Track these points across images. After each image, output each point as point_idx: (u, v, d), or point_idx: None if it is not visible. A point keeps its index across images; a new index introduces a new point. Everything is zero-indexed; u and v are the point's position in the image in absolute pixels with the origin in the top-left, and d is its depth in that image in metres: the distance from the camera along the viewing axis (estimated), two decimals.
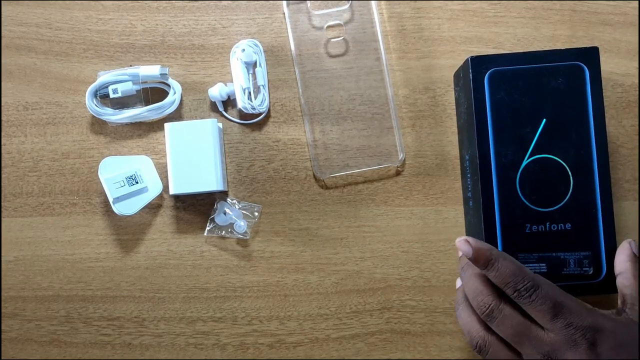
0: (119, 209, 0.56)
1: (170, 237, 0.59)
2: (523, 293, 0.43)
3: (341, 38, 0.59)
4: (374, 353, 0.58)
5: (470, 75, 0.52)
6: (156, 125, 0.59)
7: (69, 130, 0.59)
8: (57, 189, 0.59)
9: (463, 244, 0.45)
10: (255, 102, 0.58)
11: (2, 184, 0.59)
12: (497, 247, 0.52)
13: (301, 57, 0.59)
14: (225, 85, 0.59)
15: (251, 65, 0.58)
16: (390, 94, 0.58)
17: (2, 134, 0.59)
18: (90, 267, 0.59)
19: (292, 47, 0.58)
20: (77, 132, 0.59)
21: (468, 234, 0.57)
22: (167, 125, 0.56)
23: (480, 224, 0.52)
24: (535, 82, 0.52)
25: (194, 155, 0.55)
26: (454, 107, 0.59)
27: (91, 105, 0.58)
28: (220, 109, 0.59)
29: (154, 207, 0.59)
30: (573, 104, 0.52)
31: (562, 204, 0.52)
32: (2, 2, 0.60)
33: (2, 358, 0.58)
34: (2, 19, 0.60)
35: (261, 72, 0.58)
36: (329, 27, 0.59)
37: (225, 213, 0.58)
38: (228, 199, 0.58)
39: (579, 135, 0.52)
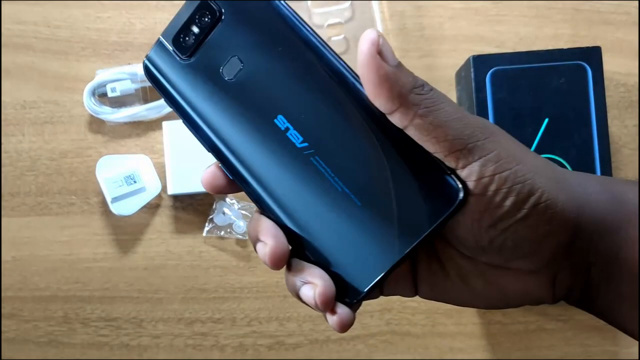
0: (117, 208, 0.55)
1: (168, 237, 0.58)
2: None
3: (342, 37, 0.59)
4: (374, 355, 0.58)
5: (472, 74, 0.52)
6: (155, 125, 0.59)
7: (67, 129, 0.59)
8: (55, 188, 0.59)
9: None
10: None
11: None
12: None
13: None
14: None
15: None
16: None
17: (0, 132, 0.59)
18: (88, 267, 0.58)
19: None
20: (75, 131, 0.59)
21: None
22: (165, 124, 0.55)
23: None
24: (538, 81, 0.52)
25: (192, 155, 0.55)
26: None
27: (89, 104, 0.57)
28: None
29: (152, 207, 0.58)
30: (575, 103, 0.51)
31: None
32: (1, 0, 0.59)
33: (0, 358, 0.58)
34: (0, 17, 0.59)
35: None
36: (329, 25, 0.59)
37: (224, 213, 0.57)
38: (227, 199, 0.58)
39: (581, 135, 0.51)
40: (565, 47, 0.53)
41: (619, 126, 0.58)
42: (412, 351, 0.58)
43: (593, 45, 0.53)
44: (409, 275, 0.33)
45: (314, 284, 0.29)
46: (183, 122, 0.32)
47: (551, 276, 0.31)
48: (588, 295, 0.31)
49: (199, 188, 0.55)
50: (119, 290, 0.58)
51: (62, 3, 0.59)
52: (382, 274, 0.29)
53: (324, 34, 0.58)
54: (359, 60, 0.28)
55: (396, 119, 0.28)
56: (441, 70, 0.59)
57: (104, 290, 0.58)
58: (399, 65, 0.28)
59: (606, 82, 0.53)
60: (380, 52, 0.28)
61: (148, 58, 0.32)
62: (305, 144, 0.30)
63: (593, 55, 0.52)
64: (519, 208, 0.28)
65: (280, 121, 0.30)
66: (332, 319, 0.30)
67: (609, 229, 0.30)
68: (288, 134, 0.30)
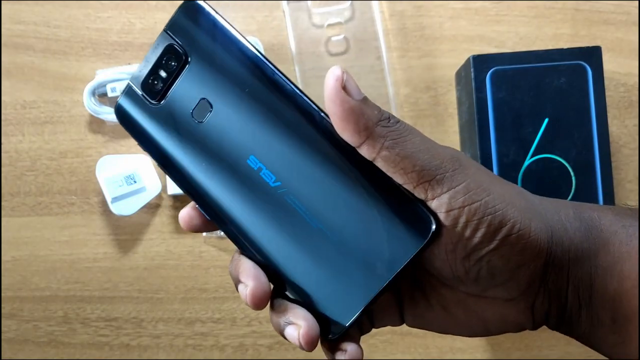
0: (117, 208, 0.55)
1: (168, 237, 0.58)
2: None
3: (342, 36, 0.59)
4: (375, 354, 0.57)
5: (472, 74, 0.52)
6: None
7: (67, 129, 0.59)
8: (55, 188, 0.59)
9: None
10: None
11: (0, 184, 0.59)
12: None
13: (301, 55, 0.58)
14: None
15: None
16: (391, 93, 0.58)
17: (0, 132, 0.59)
18: (88, 267, 0.58)
19: (292, 46, 0.58)
20: (75, 131, 0.59)
21: None
22: None
23: None
24: (537, 81, 0.52)
25: None
26: (456, 106, 0.58)
27: (89, 103, 0.57)
28: None
29: (152, 207, 0.58)
30: (575, 103, 0.51)
31: None
32: (1, 0, 0.59)
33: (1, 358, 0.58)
34: (0, 17, 0.59)
35: None
36: (329, 25, 0.59)
37: None
38: None
39: (581, 135, 0.51)
40: (565, 47, 0.52)
41: (619, 126, 0.58)
42: (412, 351, 0.58)
43: (593, 45, 0.53)
44: (395, 306, 0.33)
45: (297, 324, 0.30)
46: (158, 164, 0.32)
47: (529, 303, 0.31)
48: (566, 320, 0.32)
49: None
50: (119, 290, 0.58)
51: (62, 3, 0.59)
52: (362, 309, 0.30)
53: (323, 34, 0.58)
54: (325, 95, 0.28)
55: (364, 152, 0.28)
56: (441, 70, 0.59)
57: (104, 290, 0.58)
58: (365, 99, 0.28)
59: (606, 82, 0.53)
60: (344, 87, 0.28)
61: (119, 104, 0.32)
62: (278, 183, 0.30)
63: (593, 55, 0.52)
64: (491, 239, 0.28)
65: (253, 161, 0.30)
66: (341, 355, 0.30)
67: (582, 256, 0.30)
68: (261, 173, 0.30)
